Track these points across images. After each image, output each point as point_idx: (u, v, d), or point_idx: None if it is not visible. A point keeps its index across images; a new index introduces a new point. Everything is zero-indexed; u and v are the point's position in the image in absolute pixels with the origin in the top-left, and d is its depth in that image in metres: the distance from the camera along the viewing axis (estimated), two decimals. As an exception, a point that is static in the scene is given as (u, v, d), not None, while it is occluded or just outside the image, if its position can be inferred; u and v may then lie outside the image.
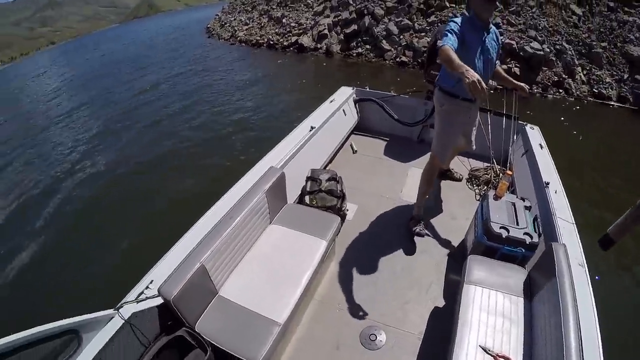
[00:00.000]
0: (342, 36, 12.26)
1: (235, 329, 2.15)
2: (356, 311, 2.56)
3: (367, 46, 11.38)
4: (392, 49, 10.56)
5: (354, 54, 11.55)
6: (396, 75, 9.69)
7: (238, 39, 16.27)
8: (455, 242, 2.91)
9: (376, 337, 2.39)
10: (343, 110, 4.09)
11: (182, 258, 2.17)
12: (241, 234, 2.47)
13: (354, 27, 11.92)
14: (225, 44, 16.84)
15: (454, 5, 10.30)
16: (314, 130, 3.54)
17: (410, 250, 2.91)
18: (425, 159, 2.75)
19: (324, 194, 3.12)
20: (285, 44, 13.87)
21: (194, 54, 16.63)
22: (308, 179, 3.26)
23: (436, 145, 2.70)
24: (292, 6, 15.42)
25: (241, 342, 2.09)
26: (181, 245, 2.38)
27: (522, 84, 2.58)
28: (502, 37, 7.92)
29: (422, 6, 10.74)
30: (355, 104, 4.33)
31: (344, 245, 3.03)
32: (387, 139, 4.33)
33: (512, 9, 8.98)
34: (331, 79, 10.15)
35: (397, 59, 10.25)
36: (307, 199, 3.13)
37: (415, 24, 10.43)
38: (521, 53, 7.99)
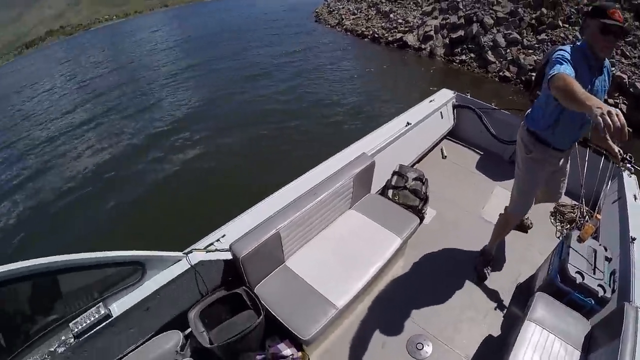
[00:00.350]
0: (447, 40, 12.66)
1: (293, 301, 2.21)
2: (409, 315, 2.57)
3: (472, 54, 11.73)
4: (497, 62, 10.88)
5: (457, 61, 11.96)
6: (496, 89, 10.04)
7: (344, 27, 17.19)
8: (525, 274, 2.84)
9: (422, 347, 2.37)
10: (440, 112, 4.06)
11: (259, 221, 2.28)
12: (321, 211, 2.53)
13: (461, 32, 12.25)
14: (331, 31, 17.83)
15: (567, 26, 10.38)
16: (409, 126, 3.54)
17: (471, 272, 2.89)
18: (512, 181, 2.65)
19: (407, 192, 3.14)
20: (389, 39, 14.50)
21: (300, 36, 17.87)
22: (395, 173, 3.30)
23: (516, 202, 2.51)
24: (401, 2, 15.95)
25: (295, 315, 2.13)
26: (258, 209, 2.50)
27: (616, 150, 2.45)
28: (612, 69, 7.96)
29: (533, 21, 10.87)
30: (453, 109, 4.27)
31: (414, 248, 3.04)
32: (479, 152, 4.25)
33: (629, 39, 8.98)
34: (431, 82, 10.70)
35: (500, 73, 10.54)
36: (390, 193, 3.17)
37: (524, 40, 10.64)
38: (631, 89, 8.00)
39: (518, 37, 10.78)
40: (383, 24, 15.59)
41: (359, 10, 17.79)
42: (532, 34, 10.81)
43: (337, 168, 2.71)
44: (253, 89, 11.87)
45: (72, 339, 1.82)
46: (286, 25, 20.50)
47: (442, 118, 4.10)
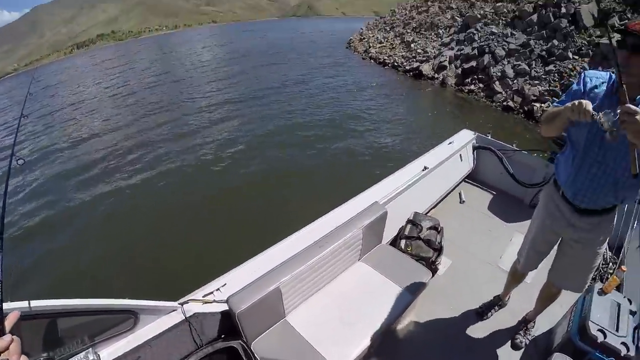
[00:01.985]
0: (459, 70, 12.98)
1: (290, 359, 2.10)
2: None
3: (480, 85, 11.93)
4: (503, 92, 11.01)
5: (466, 90, 12.20)
6: (498, 118, 10.16)
7: (369, 55, 18.03)
8: (542, 328, 2.61)
9: None
10: (460, 155, 3.88)
11: (260, 274, 2.17)
12: (327, 264, 2.39)
13: (473, 63, 12.54)
14: (357, 57, 18.74)
15: (577, 58, 10.40)
16: (426, 171, 3.38)
17: (490, 325, 2.69)
18: None
19: (421, 243, 2.98)
20: (407, 67, 15.10)
21: (331, 60, 18.96)
22: (409, 222, 3.13)
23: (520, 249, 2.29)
24: (424, 33, 16.56)
25: None
26: (260, 259, 2.38)
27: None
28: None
29: (543, 53, 10.94)
30: (473, 151, 4.06)
31: (426, 299, 2.83)
32: (498, 195, 4.02)
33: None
34: (438, 108, 11.23)
35: (505, 103, 10.65)
36: (402, 243, 3.00)
37: (532, 71, 10.70)
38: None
39: (526, 68, 10.87)
40: (404, 53, 16.17)
41: (386, 40, 18.57)
42: (541, 65, 10.86)
43: (347, 217, 2.58)
44: (277, 105, 12.74)
45: None
46: (319, 48, 21.82)
47: (461, 161, 3.93)
